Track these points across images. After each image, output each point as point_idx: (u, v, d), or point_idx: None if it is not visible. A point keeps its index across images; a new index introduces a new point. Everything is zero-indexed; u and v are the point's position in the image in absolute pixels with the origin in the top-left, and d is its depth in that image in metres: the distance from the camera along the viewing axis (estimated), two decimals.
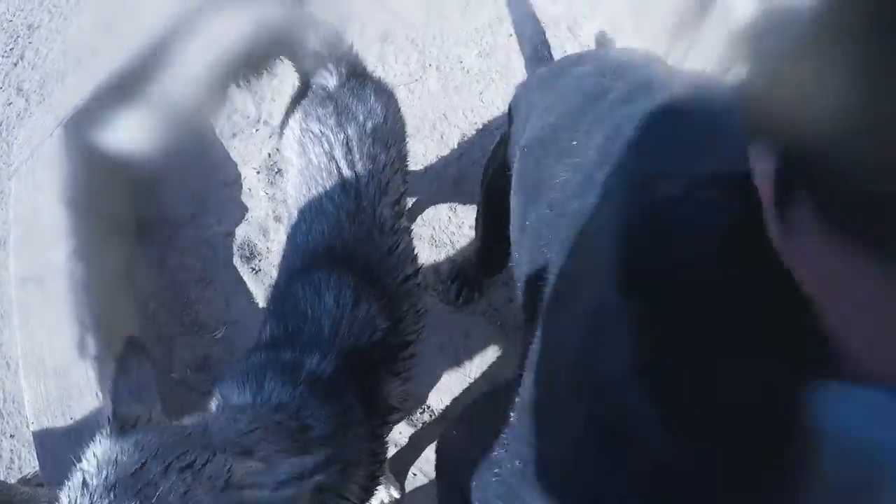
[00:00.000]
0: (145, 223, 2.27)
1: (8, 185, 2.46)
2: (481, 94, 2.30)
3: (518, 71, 2.35)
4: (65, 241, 1.89)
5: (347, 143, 1.36)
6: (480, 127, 2.23)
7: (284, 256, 1.36)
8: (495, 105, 2.27)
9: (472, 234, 2.00)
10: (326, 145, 1.35)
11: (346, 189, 1.30)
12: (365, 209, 1.31)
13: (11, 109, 3.17)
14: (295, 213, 1.37)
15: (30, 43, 3.52)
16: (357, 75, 1.53)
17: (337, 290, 1.18)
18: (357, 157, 1.35)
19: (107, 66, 2.48)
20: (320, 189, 1.32)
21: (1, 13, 3.96)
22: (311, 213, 1.31)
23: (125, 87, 2.34)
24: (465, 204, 2.07)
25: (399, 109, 1.56)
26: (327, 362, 1.09)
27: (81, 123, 2.26)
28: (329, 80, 1.49)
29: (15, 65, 3.43)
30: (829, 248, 0.35)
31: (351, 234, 1.28)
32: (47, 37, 3.47)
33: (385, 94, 1.53)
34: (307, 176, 1.35)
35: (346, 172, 1.33)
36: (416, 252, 1.43)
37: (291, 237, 1.36)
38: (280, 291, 1.28)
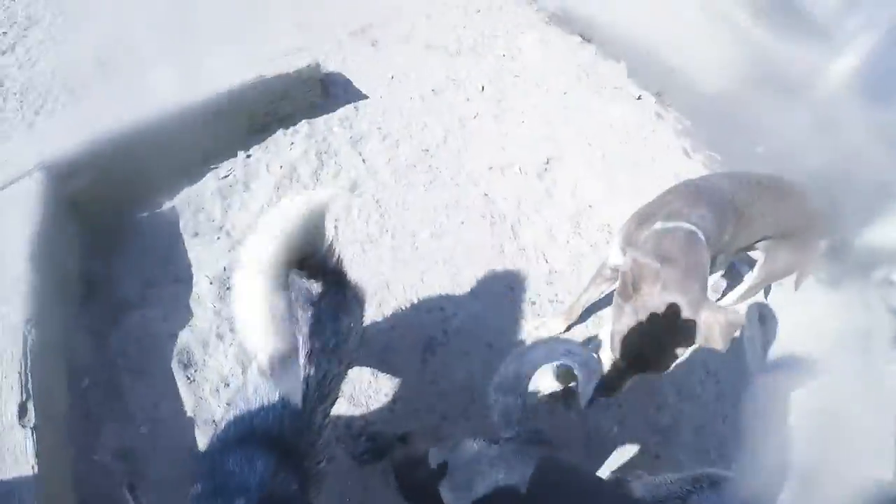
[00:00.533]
0: (91, 290, 2.41)
1: None
2: (423, 273, 2.61)
3: (459, 260, 2.70)
4: (26, 302, 1.96)
5: (312, 350, 1.55)
6: (416, 304, 2.53)
7: (225, 426, 1.57)
8: (433, 288, 2.58)
9: (388, 400, 2.26)
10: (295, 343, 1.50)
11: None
12: (305, 411, 1.57)
13: None
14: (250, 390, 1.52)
15: (24, 37, 3.53)
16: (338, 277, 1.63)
17: (265, 460, 1.43)
18: (314, 365, 1.59)
19: (96, 110, 2.64)
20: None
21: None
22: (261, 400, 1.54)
23: (112, 140, 2.49)
24: (386, 374, 2.31)
25: (363, 316, 1.73)
26: None
27: (59, 168, 2.38)
28: (314, 285, 1.59)
29: (3, 53, 3.44)
30: None
31: (288, 427, 1.53)
32: (42, 40, 3.51)
33: (359, 304, 1.69)
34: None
35: (304, 374, 1.56)
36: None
37: (239, 418, 1.58)
38: (212, 454, 1.50)
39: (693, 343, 1.59)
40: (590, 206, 3.27)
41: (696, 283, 1.62)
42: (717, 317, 1.55)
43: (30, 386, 1.80)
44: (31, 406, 1.77)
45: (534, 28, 4.24)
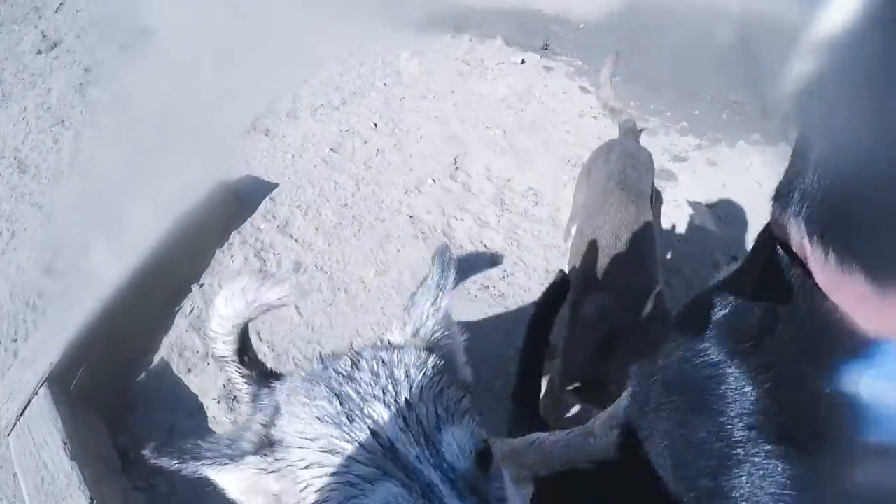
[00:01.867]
0: (126, 458, 2.73)
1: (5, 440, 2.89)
2: (383, 308, 2.92)
3: (408, 284, 3.00)
4: (82, 490, 2.30)
5: None
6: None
7: None
8: (396, 318, 2.87)
9: None
10: None
11: None
12: None
13: None
14: None
15: None
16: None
17: None
18: None
19: (62, 311, 2.97)
20: None
21: None
22: None
23: (86, 341, 2.84)
24: None
25: None
26: None
27: (60, 378, 2.73)
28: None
29: None
30: (841, 275, 0.64)
31: None
32: None
33: None
34: None
35: None
36: None
37: None
38: None
39: None
40: (508, 181, 3.56)
41: None
42: None
43: None
44: None
45: (406, 45, 4.52)
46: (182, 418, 2.73)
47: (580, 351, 2.03)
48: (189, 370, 2.86)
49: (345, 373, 0.98)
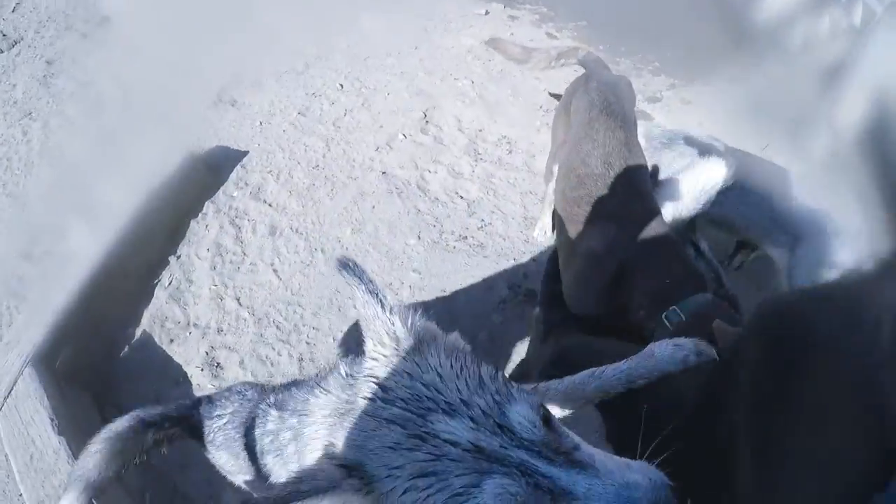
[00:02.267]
0: None
1: None
2: (362, 265, 2.91)
3: (385, 239, 2.99)
4: (70, 465, 2.30)
5: None
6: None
7: None
8: (375, 274, 2.87)
9: None
10: None
11: None
12: None
13: None
14: None
15: None
16: None
17: None
18: None
19: (41, 296, 2.96)
20: None
21: None
22: None
23: (67, 320, 2.84)
24: None
25: None
26: None
27: (44, 358, 2.73)
28: None
29: None
30: None
31: None
32: None
33: None
34: None
35: None
36: None
37: None
38: None
39: None
40: (480, 131, 3.54)
41: None
42: None
43: None
44: None
45: (366, 6, 4.47)
46: (167, 387, 2.73)
47: (591, 287, 1.96)
48: (171, 340, 2.86)
49: (380, 396, 0.98)
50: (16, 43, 5.24)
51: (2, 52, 5.27)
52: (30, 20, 5.37)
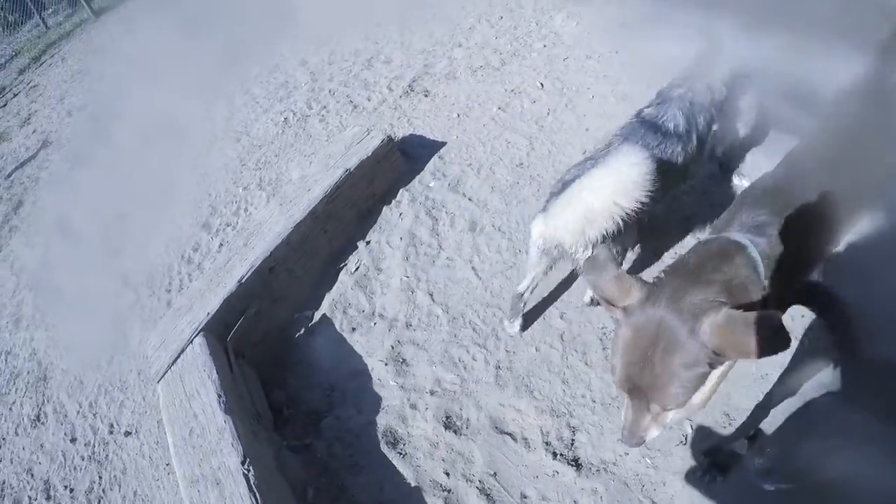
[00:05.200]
0: (280, 415, 2.56)
1: (151, 388, 2.81)
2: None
3: None
4: (234, 447, 2.14)
5: None
6: (576, 306, 2.53)
7: None
8: (584, 284, 2.57)
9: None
10: None
11: None
12: None
13: (121, 301, 3.48)
14: None
15: (125, 235, 3.87)
16: None
17: None
18: None
19: (219, 265, 2.84)
20: None
21: (85, 201, 4.37)
22: None
23: (246, 293, 2.70)
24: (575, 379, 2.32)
25: None
26: None
27: (217, 329, 2.61)
28: None
29: (114, 256, 3.77)
30: None
31: None
32: (142, 229, 3.84)
33: None
34: None
35: None
36: None
37: None
38: None
39: (697, 363, 1.21)
40: None
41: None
42: (731, 317, 1.14)
43: None
44: None
45: (559, 6, 4.24)
46: (343, 379, 2.55)
47: None
48: (353, 329, 2.68)
49: None
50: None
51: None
52: None
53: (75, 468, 2.77)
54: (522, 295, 2.32)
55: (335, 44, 5.00)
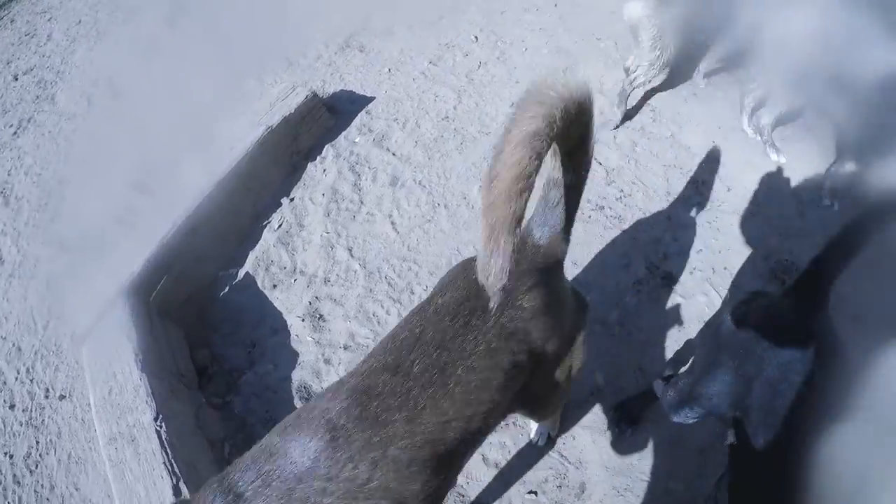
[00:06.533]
0: (204, 372, 2.59)
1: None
2: None
3: None
4: (148, 404, 2.18)
5: None
6: None
7: None
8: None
9: None
10: None
11: None
12: None
13: (57, 265, 3.46)
14: None
15: (63, 199, 3.83)
16: None
17: None
18: None
19: (146, 226, 2.83)
20: None
21: (28, 166, 4.32)
22: None
23: (170, 253, 2.69)
24: None
25: None
26: None
27: (139, 289, 2.61)
28: None
29: (52, 220, 3.74)
30: None
31: None
32: (79, 192, 3.79)
33: None
34: None
35: None
36: None
37: None
38: None
39: None
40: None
41: None
42: None
43: (177, 469, 2.01)
44: (182, 485, 1.97)
45: None
46: (265, 335, 2.57)
47: None
48: (275, 286, 2.69)
49: None
50: None
51: None
52: None
53: (14, 434, 2.78)
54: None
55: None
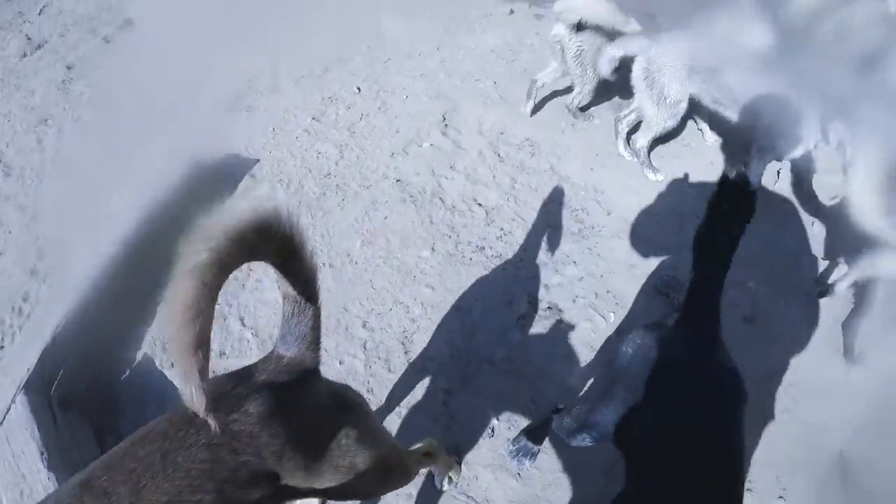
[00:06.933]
0: None
1: None
2: (371, 281, 2.71)
3: (397, 252, 2.78)
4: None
5: None
6: (379, 311, 2.63)
7: None
8: (386, 290, 2.68)
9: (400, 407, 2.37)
10: None
11: None
12: None
13: None
14: None
15: None
16: None
17: None
18: None
19: (45, 320, 2.81)
20: None
21: None
22: None
23: (67, 344, 2.69)
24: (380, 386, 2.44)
25: None
26: None
27: (38, 385, 2.59)
28: None
29: None
30: None
31: None
32: None
33: None
34: None
35: None
36: None
37: None
38: None
39: None
40: (501, 133, 3.32)
41: None
42: None
43: None
44: None
45: (387, 7, 4.27)
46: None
47: None
48: (172, 364, 2.68)
49: None
50: (39, 46, 5.19)
51: (25, 56, 5.22)
52: (55, 23, 5.32)
53: None
54: None
55: (168, 58, 4.90)
